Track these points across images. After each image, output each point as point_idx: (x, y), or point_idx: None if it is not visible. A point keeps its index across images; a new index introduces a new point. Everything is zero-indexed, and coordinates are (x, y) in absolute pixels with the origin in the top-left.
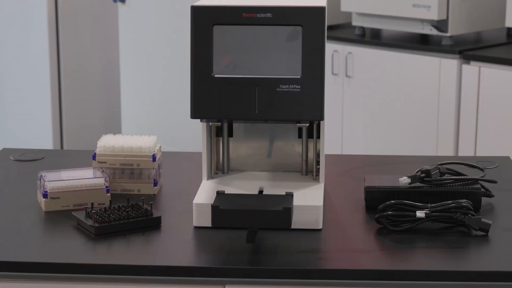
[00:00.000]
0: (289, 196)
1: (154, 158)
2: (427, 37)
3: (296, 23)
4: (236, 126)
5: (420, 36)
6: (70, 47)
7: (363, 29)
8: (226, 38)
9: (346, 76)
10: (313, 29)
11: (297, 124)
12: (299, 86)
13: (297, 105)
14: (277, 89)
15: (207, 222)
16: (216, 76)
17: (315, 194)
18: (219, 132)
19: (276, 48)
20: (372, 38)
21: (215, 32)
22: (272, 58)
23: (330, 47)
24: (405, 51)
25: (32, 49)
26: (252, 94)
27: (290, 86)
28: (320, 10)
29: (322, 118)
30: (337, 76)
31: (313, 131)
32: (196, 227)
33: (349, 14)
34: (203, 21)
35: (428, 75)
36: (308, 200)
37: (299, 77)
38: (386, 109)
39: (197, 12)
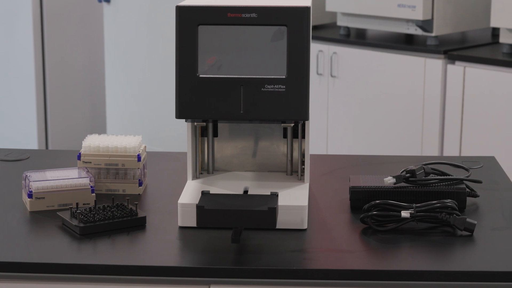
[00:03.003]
0: (274, 196)
1: (139, 158)
2: (412, 37)
3: (281, 23)
4: (221, 126)
5: (405, 36)
6: (55, 47)
7: (348, 29)
8: (211, 38)
9: (331, 76)
10: (298, 29)
11: (282, 124)
12: (284, 86)
13: (282, 105)
14: (262, 89)
15: (192, 222)
16: (201, 76)
17: (300, 194)
18: (204, 132)
19: (261, 48)
20: (357, 38)
21: (200, 32)
22: (257, 58)
23: (315, 47)
24: (390, 51)
25: (17, 48)
26: (237, 94)
27: (275, 86)
28: (305, 10)
29: (307, 118)
30: (322, 76)
31: (298, 131)
32: (181, 227)
33: (334, 14)
34: (188, 21)
35: (413, 75)
36: (293, 200)
37: (284, 77)
38: (371, 109)
39: (182, 12)
